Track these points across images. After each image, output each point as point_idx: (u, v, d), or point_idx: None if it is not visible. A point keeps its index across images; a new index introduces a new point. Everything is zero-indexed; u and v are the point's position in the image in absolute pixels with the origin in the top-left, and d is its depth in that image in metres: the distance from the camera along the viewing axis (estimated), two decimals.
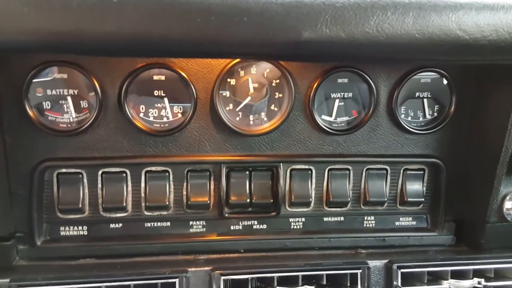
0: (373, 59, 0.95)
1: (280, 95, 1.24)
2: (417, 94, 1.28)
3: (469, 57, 0.90)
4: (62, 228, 1.26)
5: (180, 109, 1.21)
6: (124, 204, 1.24)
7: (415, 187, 1.35)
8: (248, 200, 1.28)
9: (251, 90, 1.22)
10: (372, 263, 1.26)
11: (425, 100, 1.29)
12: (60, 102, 1.16)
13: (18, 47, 0.79)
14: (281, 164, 1.28)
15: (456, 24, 0.81)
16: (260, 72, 1.22)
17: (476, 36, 0.82)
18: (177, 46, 0.79)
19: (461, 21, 0.81)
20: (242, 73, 1.22)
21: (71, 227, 1.26)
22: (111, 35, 0.76)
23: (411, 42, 0.81)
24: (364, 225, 1.38)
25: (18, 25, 0.74)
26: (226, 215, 1.30)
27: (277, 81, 1.23)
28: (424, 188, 1.37)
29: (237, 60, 1.18)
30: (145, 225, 1.29)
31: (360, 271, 1.23)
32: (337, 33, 0.78)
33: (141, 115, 1.20)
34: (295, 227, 1.36)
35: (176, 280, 1.15)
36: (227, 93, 1.22)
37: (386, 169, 1.34)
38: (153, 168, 1.25)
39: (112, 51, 0.84)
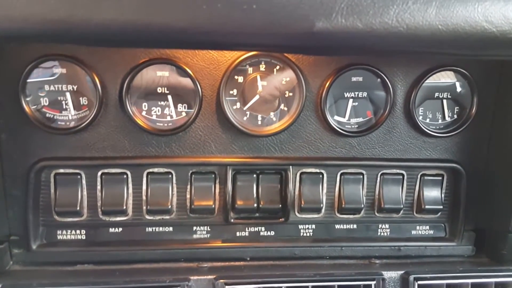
0: (392, 52, 0.91)
1: (291, 94, 1.20)
2: (436, 94, 1.24)
3: (496, 52, 0.85)
4: (59, 232, 1.23)
5: (185, 108, 1.17)
6: (125, 207, 1.20)
7: (433, 193, 1.30)
8: (255, 205, 1.24)
9: (260, 88, 1.18)
10: (387, 274, 1.22)
11: (444, 101, 1.24)
12: (59, 98, 1.13)
13: (8, 36, 0.74)
14: (291, 167, 1.24)
15: (482, 15, 0.77)
16: (269, 69, 1.17)
17: (504, 28, 0.78)
18: (180, 35, 0.75)
19: (487, 12, 0.77)
20: (250, 70, 1.17)
21: (69, 231, 1.23)
22: (108, 23, 0.72)
23: (434, 34, 0.77)
24: (378, 233, 1.34)
25: (8, 11, 0.71)
26: (232, 220, 1.26)
27: (287, 79, 1.18)
28: (443, 195, 1.32)
29: (245, 55, 1.14)
30: (146, 230, 1.26)
31: (374, 282, 1.19)
32: (354, 23, 0.75)
33: (144, 113, 1.17)
34: (304, 234, 1.31)
35: None
36: (234, 91, 1.18)
37: (403, 174, 1.29)
38: (155, 170, 1.22)
39: (110, 41, 0.80)
